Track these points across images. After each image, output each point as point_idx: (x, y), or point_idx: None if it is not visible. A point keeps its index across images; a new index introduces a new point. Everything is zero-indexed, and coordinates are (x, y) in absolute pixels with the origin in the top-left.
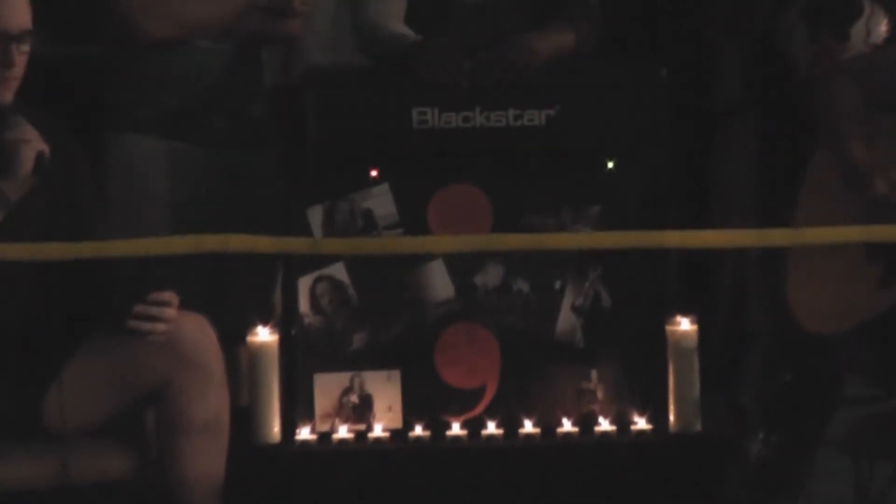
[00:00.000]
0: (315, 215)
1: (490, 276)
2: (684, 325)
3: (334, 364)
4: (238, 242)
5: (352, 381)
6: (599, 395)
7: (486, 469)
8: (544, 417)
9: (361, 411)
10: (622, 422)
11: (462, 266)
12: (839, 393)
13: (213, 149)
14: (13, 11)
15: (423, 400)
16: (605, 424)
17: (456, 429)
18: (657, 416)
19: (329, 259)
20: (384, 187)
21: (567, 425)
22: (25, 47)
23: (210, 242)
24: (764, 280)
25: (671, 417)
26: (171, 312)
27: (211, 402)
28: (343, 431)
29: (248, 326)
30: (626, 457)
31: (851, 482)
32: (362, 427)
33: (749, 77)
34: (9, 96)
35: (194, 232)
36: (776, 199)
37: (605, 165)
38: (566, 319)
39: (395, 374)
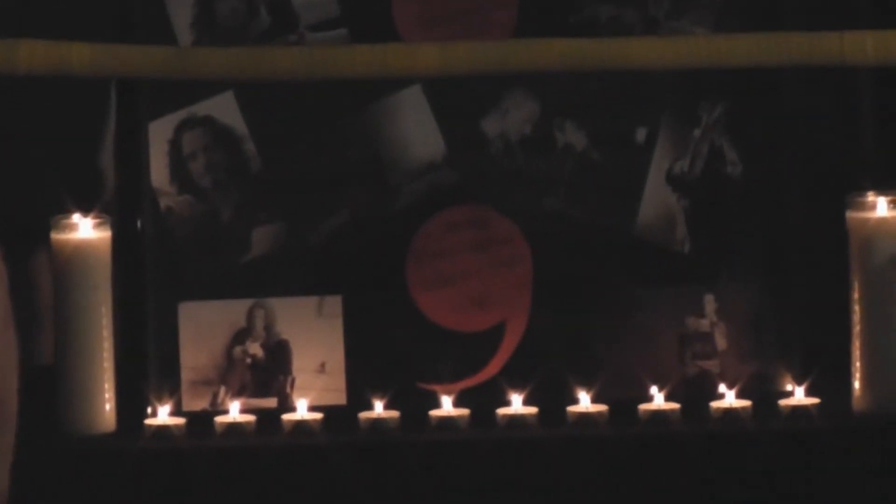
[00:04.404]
0: (180, 1)
1: (514, 120)
2: (881, 209)
3: (218, 285)
4: (35, 53)
5: (251, 316)
6: (720, 342)
7: (505, 480)
8: (615, 386)
9: (270, 373)
10: (762, 393)
11: (460, 100)
12: None
13: None
14: None
15: (385, 352)
16: (730, 397)
17: (448, 406)
18: (828, 383)
19: (207, 87)
20: None
21: (658, 399)
22: None
23: None
24: None
25: (856, 385)
26: None
27: None
28: (235, 411)
29: (54, 214)
30: (769, 455)
31: None
32: (271, 403)
33: None
34: None
35: None
36: None
37: None
38: (657, 201)
39: (334, 304)
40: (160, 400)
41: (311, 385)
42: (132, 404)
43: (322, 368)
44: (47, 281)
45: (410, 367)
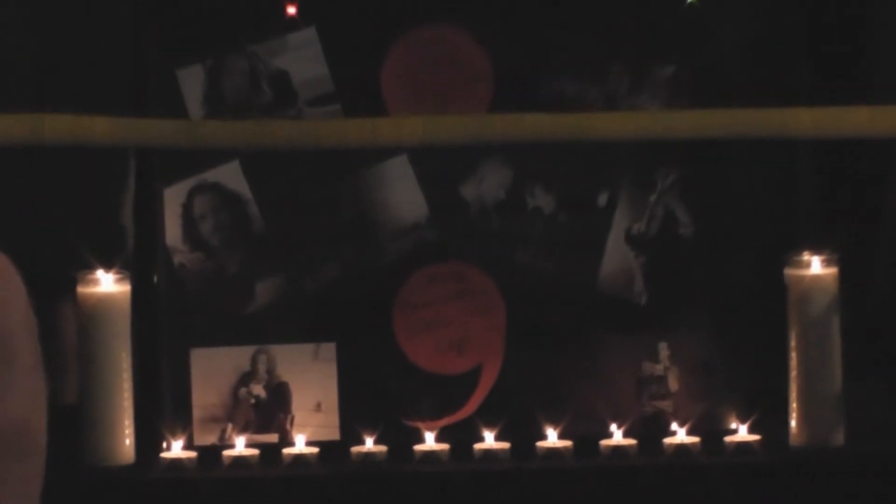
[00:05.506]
0: (191, 80)
1: (489, 186)
2: (815, 267)
3: (225, 333)
4: (59, 126)
5: (255, 360)
6: (673, 385)
7: None
8: (579, 423)
9: (271, 412)
10: (710, 430)
11: (441, 167)
12: None
13: None
14: None
15: (375, 393)
16: (681, 434)
17: (430, 441)
18: (769, 421)
19: (215, 156)
20: (309, 34)
21: (617, 435)
22: None
23: (12, 126)
24: None
25: (793, 423)
26: None
27: (14, 399)
28: (240, 446)
29: (79, 270)
30: (716, 487)
31: None
32: (273, 439)
33: None
34: None
35: None
36: None
37: None
38: (617, 258)
39: (329, 350)
40: (174, 435)
41: (309, 422)
42: (149, 439)
43: (318, 407)
44: (73, 329)
45: (397, 406)
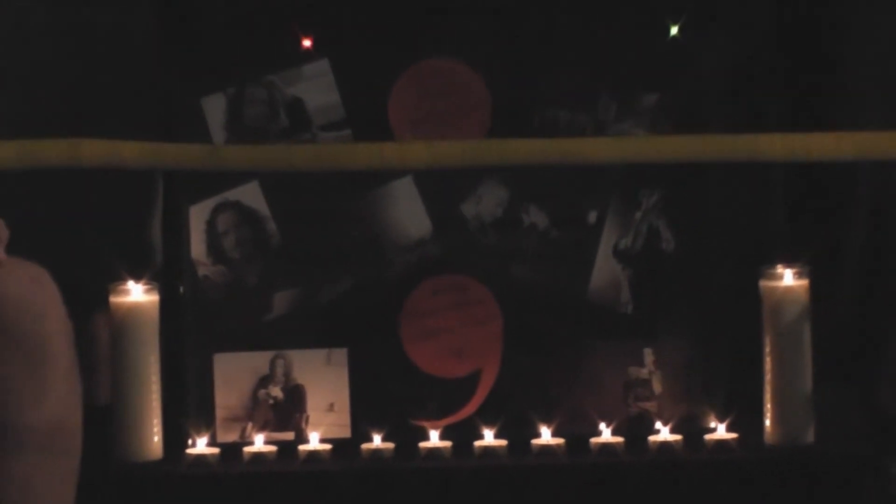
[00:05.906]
0: (214, 107)
1: (487, 204)
2: (788, 279)
3: (245, 339)
4: (94, 150)
5: (273, 364)
6: (657, 387)
7: (481, 501)
8: (571, 422)
9: (288, 412)
10: (691, 429)
11: (444, 188)
12: None
13: None
14: None
15: (382, 394)
16: (664, 433)
17: (434, 439)
18: (745, 421)
19: (236, 177)
20: (322, 65)
21: (606, 434)
22: None
23: (52, 150)
24: None
25: (767, 422)
26: None
27: (52, 400)
28: (259, 443)
29: (112, 282)
30: (696, 481)
31: None
32: (289, 436)
33: None
34: None
35: (27, 135)
36: None
37: (668, 31)
38: (605, 271)
39: (341, 355)
40: (199, 433)
41: (322, 421)
42: (176, 437)
43: (331, 408)
44: (106, 336)
45: (403, 407)
